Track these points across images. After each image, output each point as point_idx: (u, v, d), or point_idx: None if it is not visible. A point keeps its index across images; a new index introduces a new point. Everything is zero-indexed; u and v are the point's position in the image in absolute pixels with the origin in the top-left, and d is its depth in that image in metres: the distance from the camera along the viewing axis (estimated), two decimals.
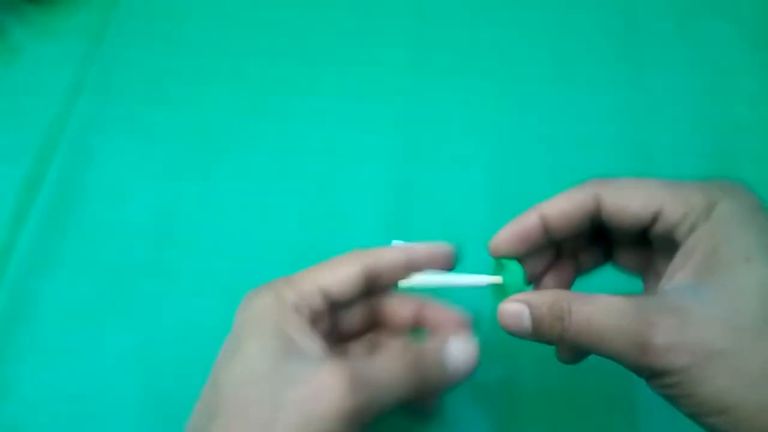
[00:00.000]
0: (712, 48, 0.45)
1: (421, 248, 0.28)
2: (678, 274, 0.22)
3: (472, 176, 0.40)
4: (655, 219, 0.24)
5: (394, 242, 0.37)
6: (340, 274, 0.26)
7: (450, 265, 0.28)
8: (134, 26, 0.46)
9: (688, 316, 0.21)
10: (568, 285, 0.28)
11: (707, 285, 0.22)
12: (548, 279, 0.28)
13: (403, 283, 0.27)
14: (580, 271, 0.29)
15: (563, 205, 0.25)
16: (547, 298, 0.23)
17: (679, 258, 0.23)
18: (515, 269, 0.26)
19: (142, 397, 0.34)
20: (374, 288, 0.27)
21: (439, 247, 0.28)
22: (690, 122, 0.42)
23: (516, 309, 0.24)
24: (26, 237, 0.38)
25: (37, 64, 0.45)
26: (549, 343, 0.24)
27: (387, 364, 0.23)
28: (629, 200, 0.24)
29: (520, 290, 0.26)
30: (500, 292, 0.27)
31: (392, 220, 0.39)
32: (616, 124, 0.42)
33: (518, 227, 0.26)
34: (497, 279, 0.27)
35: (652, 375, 0.22)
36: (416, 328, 0.28)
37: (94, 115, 0.43)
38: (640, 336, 0.21)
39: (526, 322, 0.24)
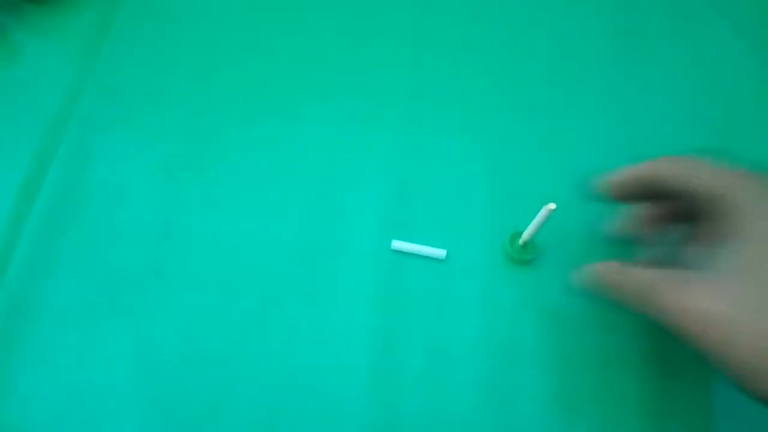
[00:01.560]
0: (712, 48, 0.45)
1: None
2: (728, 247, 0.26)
3: (472, 176, 0.40)
4: (711, 202, 0.28)
5: (394, 243, 0.37)
6: None
7: None
8: (134, 26, 0.46)
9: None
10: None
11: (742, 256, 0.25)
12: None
13: (396, 246, 0.37)
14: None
15: (653, 168, 0.30)
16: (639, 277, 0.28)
17: (733, 238, 0.26)
18: None
19: (141, 397, 0.34)
20: None
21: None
22: (690, 122, 0.42)
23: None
24: (26, 237, 0.38)
25: (37, 64, 0.45)
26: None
27: None
28: (696, 179, 0.28)
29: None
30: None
31: (392, 220, 0.39)
32: (615, 124, 0.42)
33: (620, 179, 0.31)
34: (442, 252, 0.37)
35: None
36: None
37: (94, 115, 0.43)
38: (730, 334, 0.24)
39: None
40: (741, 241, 0.25)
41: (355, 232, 0.39)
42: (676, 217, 0.33)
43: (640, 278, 0.28)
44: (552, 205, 0.31)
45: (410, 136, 0.42)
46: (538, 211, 0.32)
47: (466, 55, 0.45)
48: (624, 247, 0.36)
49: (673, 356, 0.35)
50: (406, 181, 0.40)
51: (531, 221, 0.34)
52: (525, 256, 0.37)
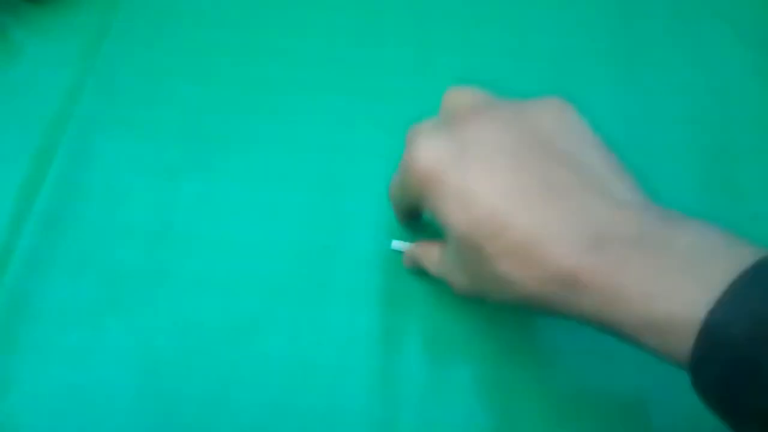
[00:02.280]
0: (711, 48, 0.45)
1: None
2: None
3: None
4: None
5: (394, 243, 0.37)
6: None
7: None
8: (134, 26, 0.46)
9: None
10: None
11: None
12: None
13: (396, 246, 0.37)
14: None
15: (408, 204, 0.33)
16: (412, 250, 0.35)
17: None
18: None
19: (141, 397, 0.34)
20: None
21: None
22: (689, 122, 0.42)
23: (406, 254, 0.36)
24: (26, 237, 0.38)
25: (37, 64, 0.45)
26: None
27: None
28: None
29: None
30: None
31: (392, 221, 0.39)
32: (614, 124, 0.42)
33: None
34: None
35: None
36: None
37: (94, 115, 0.43)
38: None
39: (408, 262, 0.36)
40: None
41: (355, 231, 0.39)
42: None
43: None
44: None
45: None
46: None
47: (466, 56, 0.45)
48: None
49: None
50: None
51: None
52: None
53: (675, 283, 0.21)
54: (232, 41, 0.46)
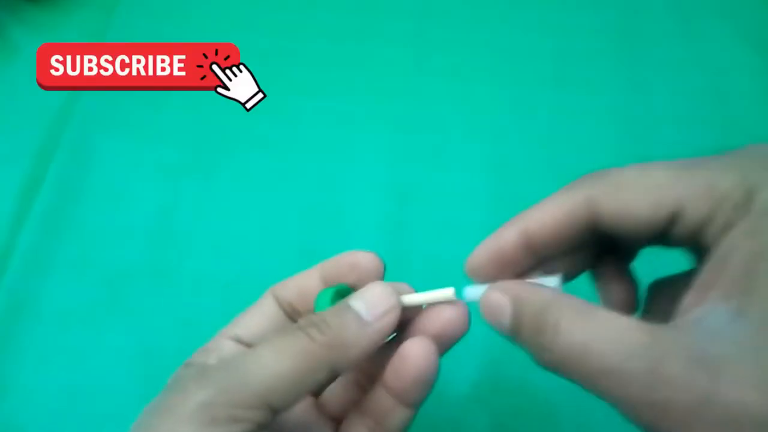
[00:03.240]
0: (712, 48, 0.45)
1: (332, 263, 0.24)
2: (710, 295, 0.16)
3: (472, 177, 0.40)
4: (672, 221, 0.17)
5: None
6: (251, 318, 0.24)
7: (380, 276, 0.24)
8: (134, 26, 0.46)
9: (720, 372, 0.14)
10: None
11: (746, 319, 0.15)
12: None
13: (406, 301, 0.22)
14: (568, 277, 0.22)
15: (547, 218, 0.19)
16: (537, 298, 0.18)
17: (710, 270, 0.16)
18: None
19: (141, 397, 0.34)
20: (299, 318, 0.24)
21: (356, 257, 0.24)
22: (690, 122, 0.42)
23: (498, 301, 0.19)
24: (26, 237, 0.38)
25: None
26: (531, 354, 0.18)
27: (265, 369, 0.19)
28: (633, 202, 0.18)
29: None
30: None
31: (392, 221, 0.39)
32: (615, 124, 0.42)
33: (495, 247, 0.21)
34: (444, 294, 0.22)
35: None
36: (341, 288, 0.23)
37: (94, 115, 0.43)
38: (654, 393, 0.15)
39: (505, 320, 0.19)
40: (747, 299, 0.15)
41: (354, 231, 0.39)
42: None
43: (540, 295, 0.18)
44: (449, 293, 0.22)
45: (411, 136, 0.42)
46: None
47: (466, 56, 0.45)
48: None
49: None
50: (406, 182, 0.40)
51: None
52: None
53: None
54: (232, 41, 0.46)
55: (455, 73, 0.44)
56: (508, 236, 0.20)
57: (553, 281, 0.20)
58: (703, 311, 0.16)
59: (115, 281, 0.37)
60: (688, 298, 0.16)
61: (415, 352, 0.21)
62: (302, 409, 0.24)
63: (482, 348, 0.35)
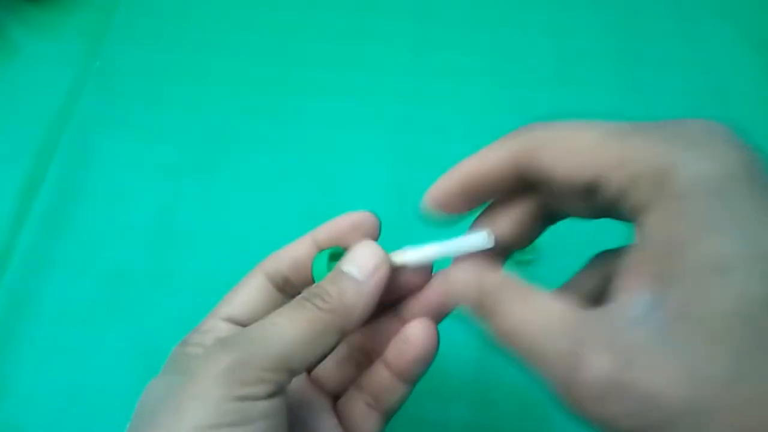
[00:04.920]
0: (712, 48, 0.45)
1: (325, 228, 0.25)
2: (635, 280, 0.16)
3: None
4: (591, 190, 0.17)
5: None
6: (241, 297, 0.24)
7: (375, 234, 0.25)
8: (134, 26, 0.46)
9: (635, 358, 0.15)
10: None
11: (665, 306, 0.15)
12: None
13: (397, 259, 0.24)
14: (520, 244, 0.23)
15: (479, 166, 0.21)
16: (477, 283, 0.19)
17: (634, 254, 0.16)
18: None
19: None
20: (293, 290, 0.25)
21: (351, 218, 0.25)
22: None
23: (460, 282, 0.20)
24: (26, 237, 0.38)
25: (37, 64, 0.45)
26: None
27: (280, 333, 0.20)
28: (555, 162, 0.18)
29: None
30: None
31: (392, 221, 0.39)
32: None
33: (441, 189, 0.23)
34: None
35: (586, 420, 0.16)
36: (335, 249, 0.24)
37: (94, 115, 0.43)
38: (571, 374, 0.15)
39: (468, 301, 0.20)
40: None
41: None
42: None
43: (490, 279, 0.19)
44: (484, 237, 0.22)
45: (410, 136, 0.42)
46: None
47: (466, 56, 0.45)
48: None
49: None
50: (406, 182, 0.40)
51: None
52: (525, 256, 0.37)
53: None
54: (232, 41, 0.46)
55: (455, 73, 0.44)
56: (450, 180, 0.22)
57: (480, 236, 0.22)
58: (627, 298, 0.16)
59: (115, 281, 0.37)
60: (618, 281, 0.16)
61: (418, 333, 0.23)
62: (298, 386, 0.25)
63: (479, 349, 0.35)
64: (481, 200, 0.22)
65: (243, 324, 0.23)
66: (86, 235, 0.38)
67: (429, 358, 0.23)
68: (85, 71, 0.44)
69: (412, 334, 0.23)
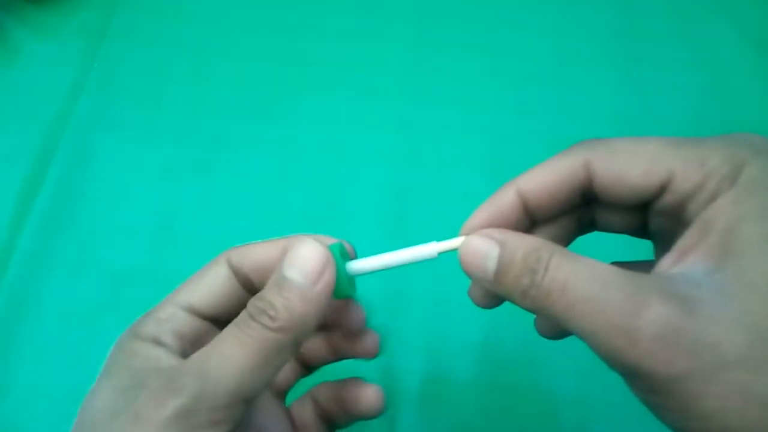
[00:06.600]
0: (712, 48, 0.45)
1: (296, 239, 0.23)
2: (690, 256, 0.17)
3: (472, 176, 0.40)
4: (662, 189, 0.18)
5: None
6: (204, 286, 0.23)
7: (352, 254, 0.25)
8: (134, 26, 0.46)
9: (696, 309, 0.15)
10: None
11: (725, 272, 0.16)
12: None
13: (355, 269, 0.23)
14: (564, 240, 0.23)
15: (545, 178, 0.21)
16: (526, 242, 0.19)
17: (692, 234, 0.17)
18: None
19: None
20: (253, 288, 0.23)
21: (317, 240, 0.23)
22: (690, 122, 0.42)
23: (483, 246, 0.19)
24: (26, 237, 0.38)
25: (37, 64, 0.45)
26: (509, 299, 0.19)
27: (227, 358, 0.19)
28: (628, 167, 0.19)
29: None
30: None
31: (392, 221, 0.39)
32: (615, 123, 0.42)
33: (494, 209, 0.22)
34: (452, 244, 0.22)
35: (636, 375, 0.16)
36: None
37: (94, 115, 0.43)
38: (628, 319, 0.16)
39: (491, 264, 0.19)
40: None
41: (354, 231, 0.38)
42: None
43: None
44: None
45: (410, 136, 0.42)
46: None
47: (466, 56, 0.45)
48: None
49: None
50: (406, 181, 0.40)
51: None
52: None
53: None
54: (232, 41, 0.46)
55: (455, 73, 0.44)
56: (506, 197, 0.21)
57: (429, 247, 0.22)
58: (681, 268, 0.17)
59: (115, 281, 0.37)
60: (664, 261, 0.17)
61: (369, 397, 0.25)
62: None
63: (481, 348, 0.35)
64: (540, 216, 0.21)
65: (203, 315, 0.22)
66: (86, 235, 0.39)
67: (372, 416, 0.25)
68: (85, 72, 0.44)
69: (364, 397, 0.25)
